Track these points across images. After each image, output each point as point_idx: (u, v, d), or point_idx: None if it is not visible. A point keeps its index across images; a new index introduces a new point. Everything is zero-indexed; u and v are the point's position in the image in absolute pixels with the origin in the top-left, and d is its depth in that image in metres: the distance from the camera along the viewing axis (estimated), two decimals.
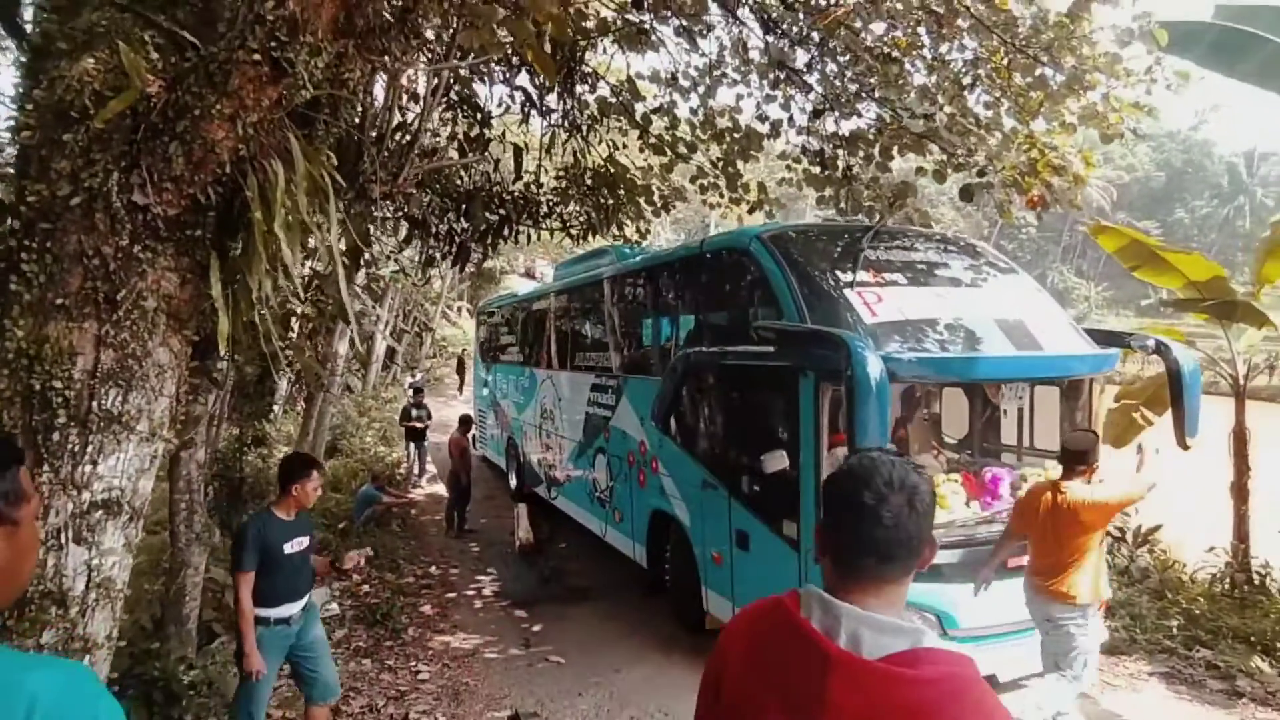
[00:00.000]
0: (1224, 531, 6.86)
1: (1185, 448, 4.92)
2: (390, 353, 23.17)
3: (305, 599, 4.02)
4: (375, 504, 9.41)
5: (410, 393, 16.82)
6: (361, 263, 8.54)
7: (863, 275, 4.91)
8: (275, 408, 14.82)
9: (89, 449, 1.98)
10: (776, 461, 4.71)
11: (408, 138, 3.73)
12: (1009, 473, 5.15)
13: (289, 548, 3.85)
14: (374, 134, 3.35)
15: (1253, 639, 5.44)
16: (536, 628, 6.41)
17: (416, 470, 13.07)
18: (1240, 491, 6.80)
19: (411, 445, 13.26)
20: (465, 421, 10.98)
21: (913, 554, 1.28)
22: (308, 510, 4.14)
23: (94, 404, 1.98)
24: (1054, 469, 4.77)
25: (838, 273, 4.98)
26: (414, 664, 5.60)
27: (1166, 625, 5.81)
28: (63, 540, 1.95)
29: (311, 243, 2.52)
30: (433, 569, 8.18)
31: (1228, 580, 6.51)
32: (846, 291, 4.76)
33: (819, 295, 4.74)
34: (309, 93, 2.18)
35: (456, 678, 5.39)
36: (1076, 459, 4.11)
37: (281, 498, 3.95)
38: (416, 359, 25.65)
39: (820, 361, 4.33)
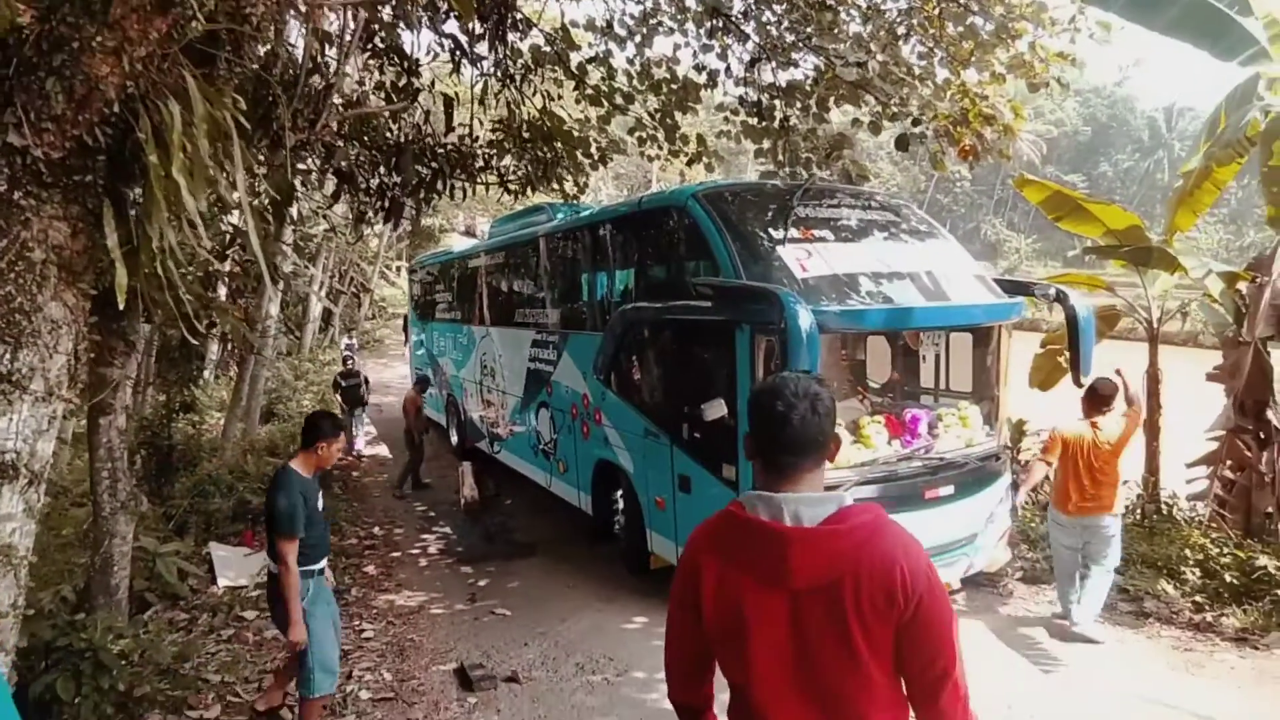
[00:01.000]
0: (1136, 467, 7.27)
1: (1079, 385, 5.42)
2: (327, 314, 22.50)
3: None
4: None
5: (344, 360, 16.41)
6: (288, 219, 8.20)
7: (793, 233, 5.15)
8: (206, 373, 14.31)
9: None
10: (715, 410, 4.97)
11: (324, 82, 3.55)
12: (927, 413, 5.54)
13: (319, 504, 3.88)
14: (287, 76, 3.16)
15: (1159, 564, 5.82)
16: (482, 583, 6.43)
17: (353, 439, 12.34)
18: (1152, 429, 7.19)
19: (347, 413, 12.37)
20: (422, 381, 11.15)
21: (820, 448, 1.58)
22: (322, 472, 4.03)
23: None
24: (966, 408, 5.63)
25: (770, 230, 5.19)
26: (358, 623, 5.57)
27: None
28: None
29: (220, 192, 2.38)
30: (376, 530, 8.10)
31: (1139, 511, 6.91)
32: (779, 248, 5.00)
33: (753, 252, 4.98)
34: (201, 25, 2.03)
35: (402, 634, 5.38)
36: (1105, 401, 5.02)
37: (305, 455, 3.85)
38: (355, 320, 24.98)
39: (755, 315, 4.60)
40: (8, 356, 1.92)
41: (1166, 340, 7.94)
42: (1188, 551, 5.84)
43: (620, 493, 6.68)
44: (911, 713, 1.59)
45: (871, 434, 5.12)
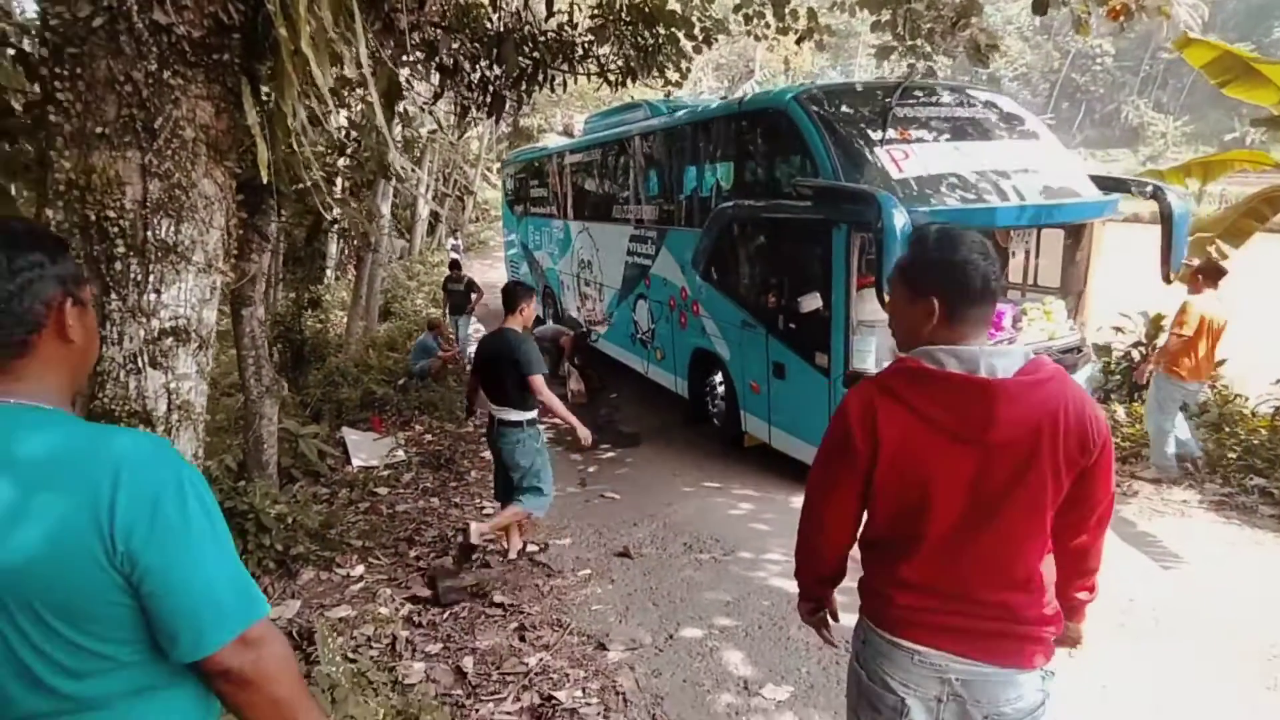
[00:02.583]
0: None
1: (1168, 281, 5.53)
2: (434, 217, 23.15)
3: None
4: (432, 355, 9.70)
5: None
6: (397, 115, 8.33)
7: (890, 133, 5.31)
8: (328, 272, 15.15)
9: (150, 278, 2.04)
10: (811, 302, 5.39)
11: None
12: (1012, 308, 5.64)
13: None
14: None
15: None
16: (591, 469, 6.72)
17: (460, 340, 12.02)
18: None
19: (453, 319, 11.93)
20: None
21: (998, 295, 1.61)
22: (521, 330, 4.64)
23: (148, 234, 2.02)
24: (1051, 302, 5.85)
25: (868, 131, 5.35)
26: (479, 501, 5.97)
27: (1223, 456, 5.78)
28: (140, 364, 2.05)
29: (345, 70, 2.42)
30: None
31: None
32: (876, 149, 5.19)
33: (851, 153, 5.17)
34: None
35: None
36: (1222, 273, 5.60)
37: (511, 317, 4.59)
38: (460, 223, 25.60)
39: (853, 215, 4.88)
40: (172, 229, 2.08)
41: None
42: None
43: (716, 379, 7.12)
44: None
45: None
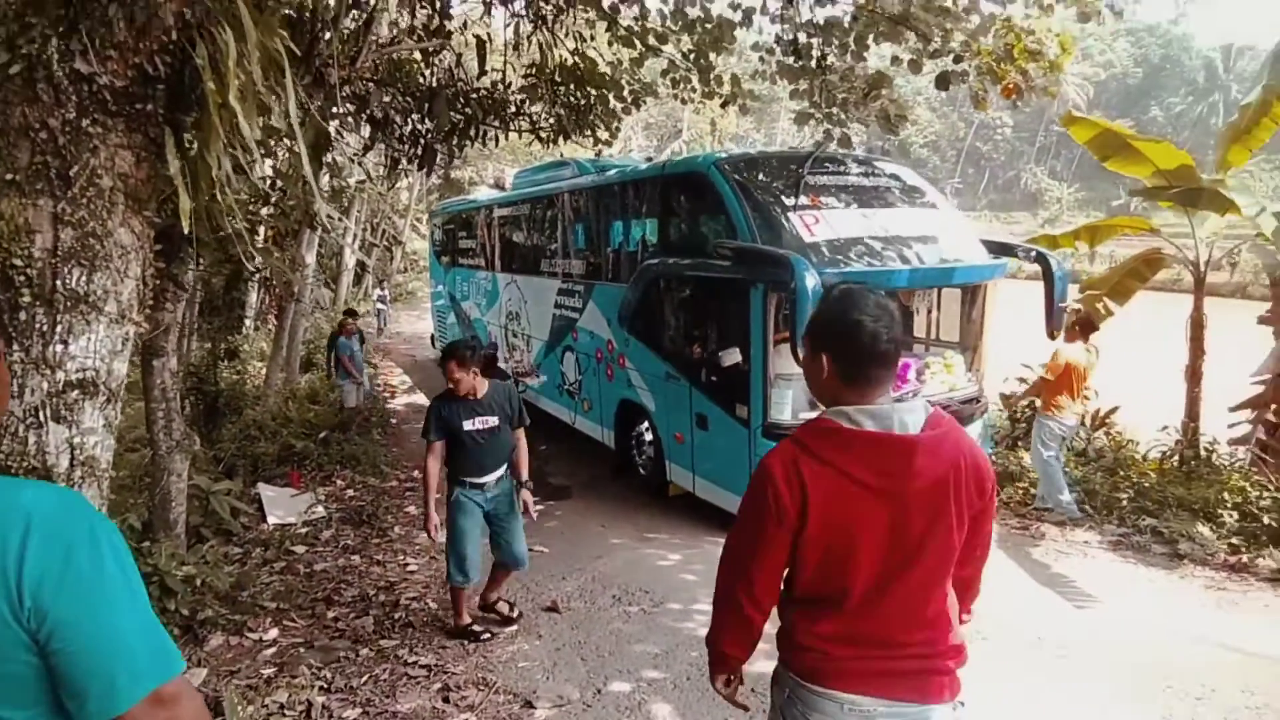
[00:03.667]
0: (1179, 414, 7.18)
1: (1052, 336, 6.12)
2: (361, 267, 22.76)
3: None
4: (344, 355, 9.63)
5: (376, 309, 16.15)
6: (325, 165, 8.27)
7: (803, 199, 5.70)
8: (247, 322, 14.64)
9: (58, 328, 1.97)
10: (732, 356, 5.64)
11: (364, 16, 3.56)
12: (916, 360, 6.11)
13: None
14: (326, 12, 3.18)
15: (1196, 507, 5.79)
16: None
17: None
18: (1194, 375, 7.07)
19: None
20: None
21: (899, 358, 1.69)
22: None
23: (58, 283, 1.95)
24: (951, 355, 6.39)
25: (783, 196, 5.74)
26: (402, 558, 5.79)
27: (1118, 499, 6.16)
28: (42, 418, 1.96)
29: (272, 121, 2.43)
30: (415, 474, 8.30)
31: (1177, 456, 6.85)
32: (789, 214, 5.55)
33: (766, 217, 5.53)
34: None
35: (444, 568, 5.56)
36: (1093, 328, 6.33)
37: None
38: (387, 273, 25.23)
39: (769, 275, 5.20)
40: (84, 278, 2.02)
41: (1214, 292, 7.78)
42: (1226, 495, 5.81)
43: (642, 429, 7.29)
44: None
45: None
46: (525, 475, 4.53)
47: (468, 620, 4.43)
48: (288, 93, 2.25)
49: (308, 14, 3.06)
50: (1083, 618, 4.53)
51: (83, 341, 2.04)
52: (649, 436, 7.14)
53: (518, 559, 4.47)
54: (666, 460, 6.77)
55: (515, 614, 4.58)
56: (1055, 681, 3.81)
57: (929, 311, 7.10)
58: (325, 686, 3.76)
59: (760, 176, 5.97)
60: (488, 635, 4.37)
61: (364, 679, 3.84)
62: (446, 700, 3.64)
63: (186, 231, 2.21)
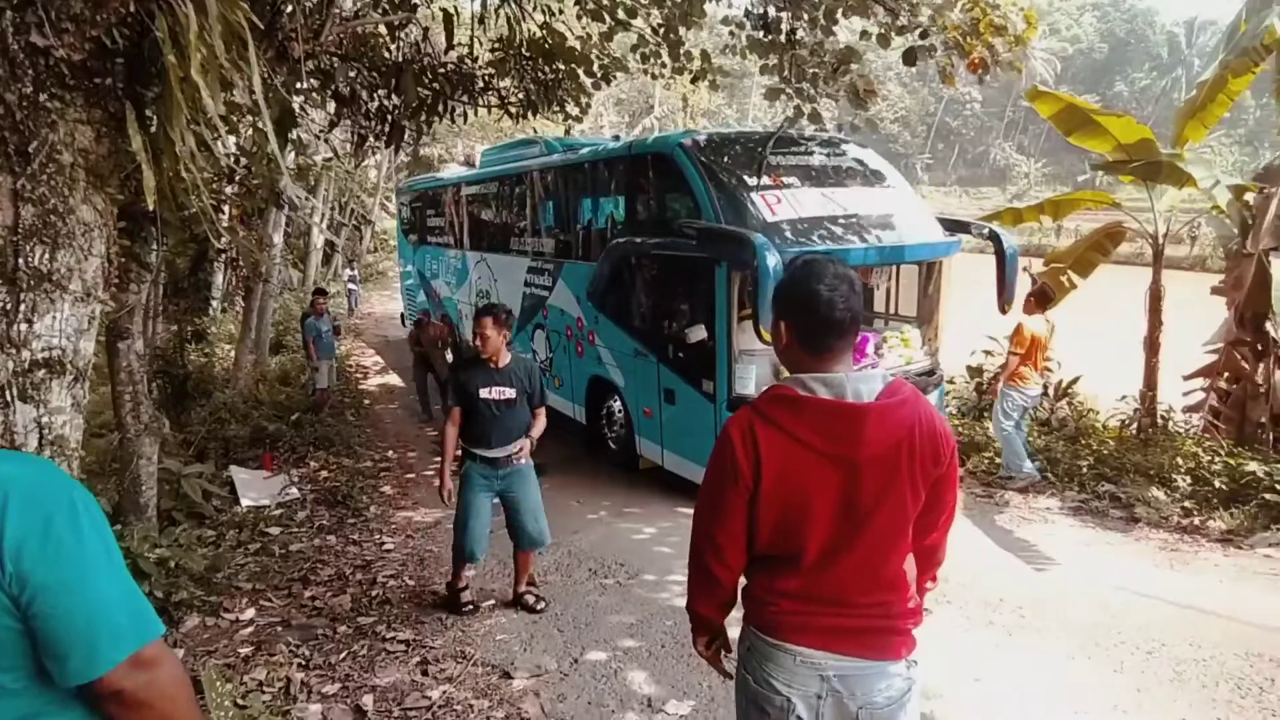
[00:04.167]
0: (1137, 383, 7.40)
1: (1004, 311, 6.33)
2: (330, 247, 22.41)
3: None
4: (310, 336, 9.49)
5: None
6: (290, 142, 8.12)
7: (765, 179, 5.84)
8: (214, 304, 14.38)
9: (22, 307, 1.95)
10: (698, 332, 5.77)
11: None
12: (875, 335, 6.31)
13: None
14: None
15: (1151, 473, 6.00)
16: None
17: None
18: (1152, 345, 7.27)
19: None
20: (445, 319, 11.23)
21: (857, 327, 1.70)
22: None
23: (20, 261, 1.93)
24: (908, 330, 6.57)
25: (746, 176, 5.87)
26: (378, 537, 5.80)
27: (1078, 466, 6.35)
28: (8, 398, 1.94)
29: (236, 95, 2.40)
30: (390, 454, 8.30)
31: (1135, 425, 7.07)
32: (752, 194, 5.70)
33: (730, 197, 5.67)
34: None
35: (420, 546, 5.61)
36: (1049, 300, 6.55)
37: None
38: (357, 253, 24.87)
39: (731, 254, 5.33)
40: (46, 257, 2.00)
41: (1174, 265, 7.98)
42: (1180, 460, 6.02)
43: (613, 405, 7.37)
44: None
45: None
46: (534, 434, 4.44)
47: (463, 584, 4.48)
48: (251, 67, 2.23)
49: None
50: (1042, 579, 4.71)
51: (48, 320, 2.02)
52: (620, 412, 7.24)
53: (536, 539, 4.43)
54: (636, 435, 6.91)
55: (540, 607, 4.45)
56: (1014, 637, 3.97)
57: (886, 287, 7.33)
58: (304, 663, 3.79)
59: (725, 157, 6.07)
60: (471, 608, 4.40)
61: (342, 655, 3.88)
62: (425, 673, 3.69)
63: (151, 209, 2.20)
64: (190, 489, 6.16)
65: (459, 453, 4.35)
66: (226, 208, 6.53)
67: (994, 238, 6.25)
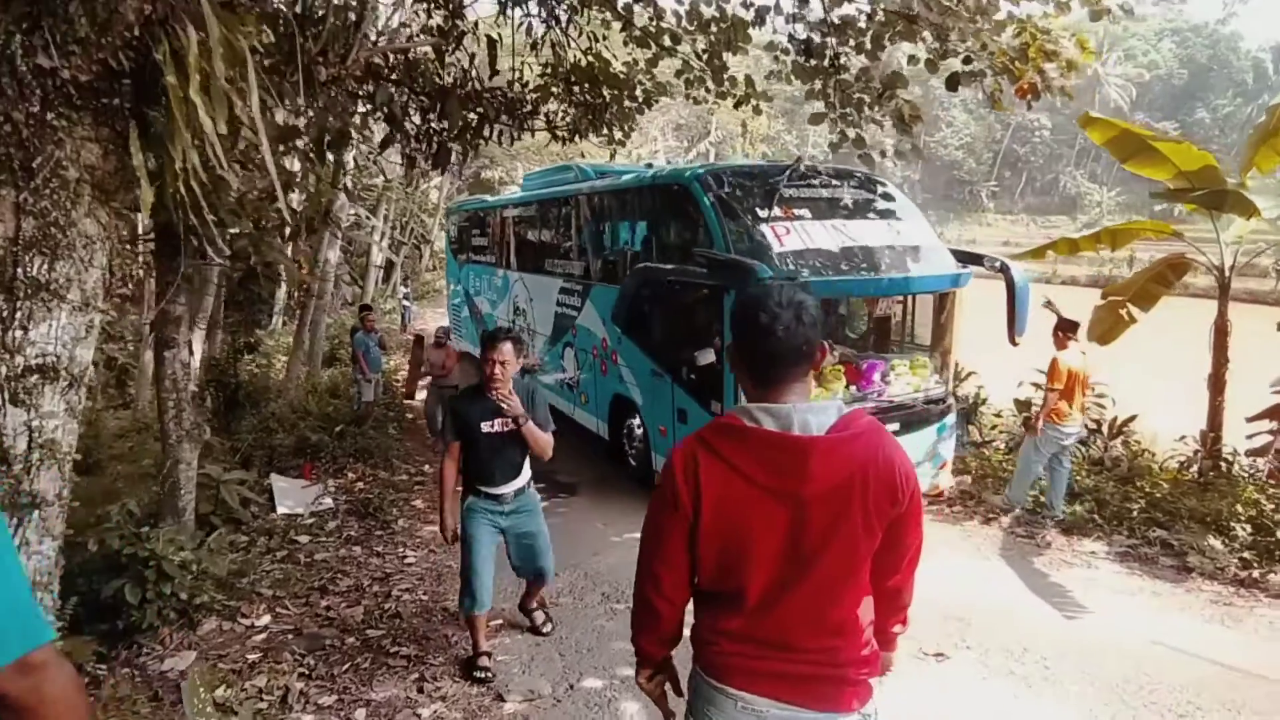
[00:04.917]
0: (1197, 423, 6.98)
1: (1014, 344, 6.26)
2: (390, 265, 23.12)
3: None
4: (359, 350, 9.72)
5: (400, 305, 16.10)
6: (344, 166, 8.42)
7: (776, 211, 6.06)
8: (274, 319, 14.96)
9: (18, 314, 2.04)
10: (706, 356, 5.94)
11: (354, 16, 3.62)
12: (882, 363, 6.37)
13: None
14: (313, 10, 3.25)
15: (1209, 519, 5.61)
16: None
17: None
18: (1217, 383, 6.85)
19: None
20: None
21: (807, 358, 1.61)
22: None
23: (18, 270, 2.03)
24: (919, 358, 6.61)
25: (758, 208, 6.09)
26: (402, 550, 5.87)
27: (1128, 509, 5.99)
28: (0, 400, 2.03)
29: (238, 114, 2.48)
30: (425, 468, 8.42)
31: (1194, 467, 6.64)
32: (762, 225, 5.92)
33: (740, 228, 5.91)
34: None
35: (441, 561, 5.65)
36: (1075, 326, 6.25)
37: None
38: (416, 271, 25.58)
39: (738, 281, 5.40)
40: (45, 267, 2.09)
41: (1245, 299, 7.53)
42: (1240, 507, 5.62)
43: (634, 422, 7.60)
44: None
45: (832, 380, 6.06)
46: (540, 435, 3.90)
47: (484, 649, 3.95)
48: (251, 87, 2.30)
49: (292, 12, 3.12)
50: (1072, 628, 4.42)
51: (43, 328, 2.11)
52: (639, 429, 7.45)
53: (540, 574, 4.14)
54: (653, 452, 7.13)
55: (547, 630, 4.32)
56: (1034, 689, 3.73)
57: (898, 317, 7.41)
58: (306, 673, 3.84)
59: (738, 189, 6.31)
60: (490, 676, 3.84)
61: (345, 667, 3.91)
62: (420, 690, 3.69)
63: (148, 223, 2.29)
64: (228, 495, 6.36)
65: (459, 488, 3.97)
66: (270, 225, 6.79)
67: (1005, 271, 6.33)
